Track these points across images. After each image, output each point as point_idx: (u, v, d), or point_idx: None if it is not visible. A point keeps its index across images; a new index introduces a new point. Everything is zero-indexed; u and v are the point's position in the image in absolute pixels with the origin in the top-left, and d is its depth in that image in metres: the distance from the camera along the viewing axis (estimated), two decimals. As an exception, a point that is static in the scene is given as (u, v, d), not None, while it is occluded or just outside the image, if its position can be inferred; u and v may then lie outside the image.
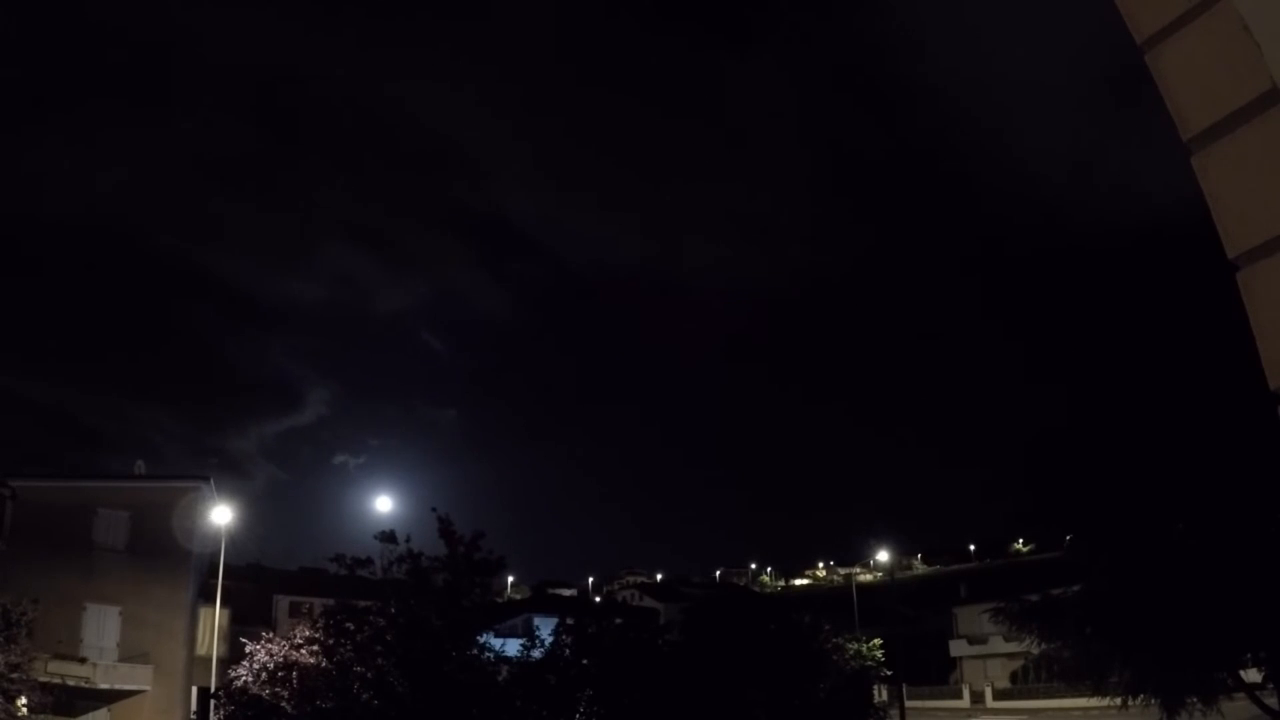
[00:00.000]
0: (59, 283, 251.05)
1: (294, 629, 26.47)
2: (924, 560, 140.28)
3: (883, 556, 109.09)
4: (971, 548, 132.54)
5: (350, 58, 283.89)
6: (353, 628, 23.16)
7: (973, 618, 55.16)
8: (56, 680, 29.90)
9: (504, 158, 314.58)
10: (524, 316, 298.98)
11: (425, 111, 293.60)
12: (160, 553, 36.13)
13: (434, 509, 24.75)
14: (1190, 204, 2.42)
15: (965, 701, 57.66)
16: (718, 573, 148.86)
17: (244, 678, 24.41)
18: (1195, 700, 14.91)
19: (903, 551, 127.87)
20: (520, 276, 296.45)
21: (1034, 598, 17.77)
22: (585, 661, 25.40)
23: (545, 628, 28.21)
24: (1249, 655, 14.58)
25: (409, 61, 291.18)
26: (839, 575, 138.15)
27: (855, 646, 37.56)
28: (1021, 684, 53.96)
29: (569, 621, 26.61)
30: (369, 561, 24.35)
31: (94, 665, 33.30)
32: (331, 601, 26.13)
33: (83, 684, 32.19)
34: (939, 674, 61.51)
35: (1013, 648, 40.74)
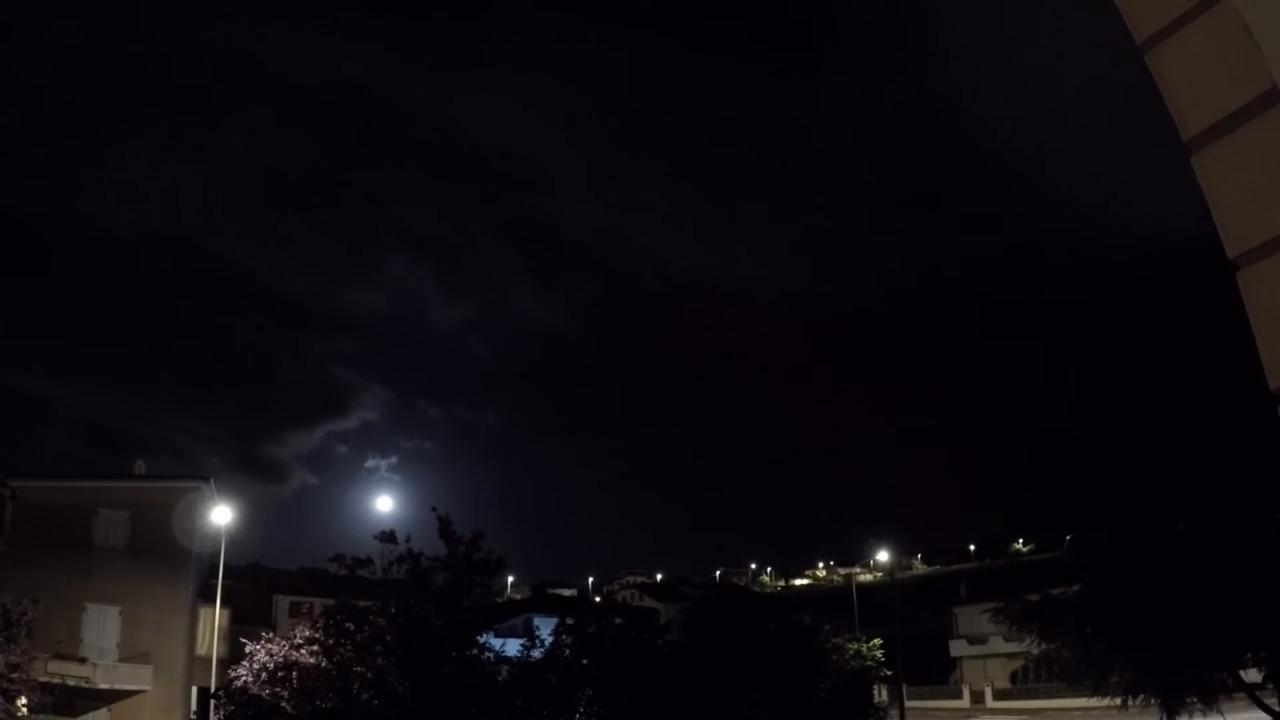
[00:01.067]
0: (113, 294, 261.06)
1: (294, 629, 26.46)
2: (924, 560, 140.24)
3: (883, 556, 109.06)
4: (971, 548, 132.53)
5: (416, 75, 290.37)
6: (353, 628, 23.15)
7: (973, 618, 55.16)
8: (56, 680, 29.92)
9: (563, 173, 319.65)
10: (556, 323, 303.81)
11: (487, 127, 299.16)
12: (160, 553, 36.13)
13: (434, 508, 24.78)
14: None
15: (965, 701, 57.66)
16: (718, 573, 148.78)
17: (244, 678, 24.41)
18: (1195, 700, 14.90)
19: (903, 551, 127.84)
20: (569, 286, 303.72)
21: (1034, 598, 17.75)
22: (585, 661, 25.39)
23: (545, 628, 28.21)
24: (1249, 655, 14.57)
25: (474, 80, 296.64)
26: (839, 575, 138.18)
27: (855, 646, 37.53)
28: (1021, 684, 53.92)
29: (569, 621, 26.59)
30: (369, 561, 24.35)
31: (94, 665, 33.31)
32: (331, 601, 26.13)
33: (83, 684, 32.21)
34: (939, 674, 61.52)
35: (1013, 648, 40.68)
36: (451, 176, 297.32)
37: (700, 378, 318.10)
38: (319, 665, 23.16)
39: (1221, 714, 15.33)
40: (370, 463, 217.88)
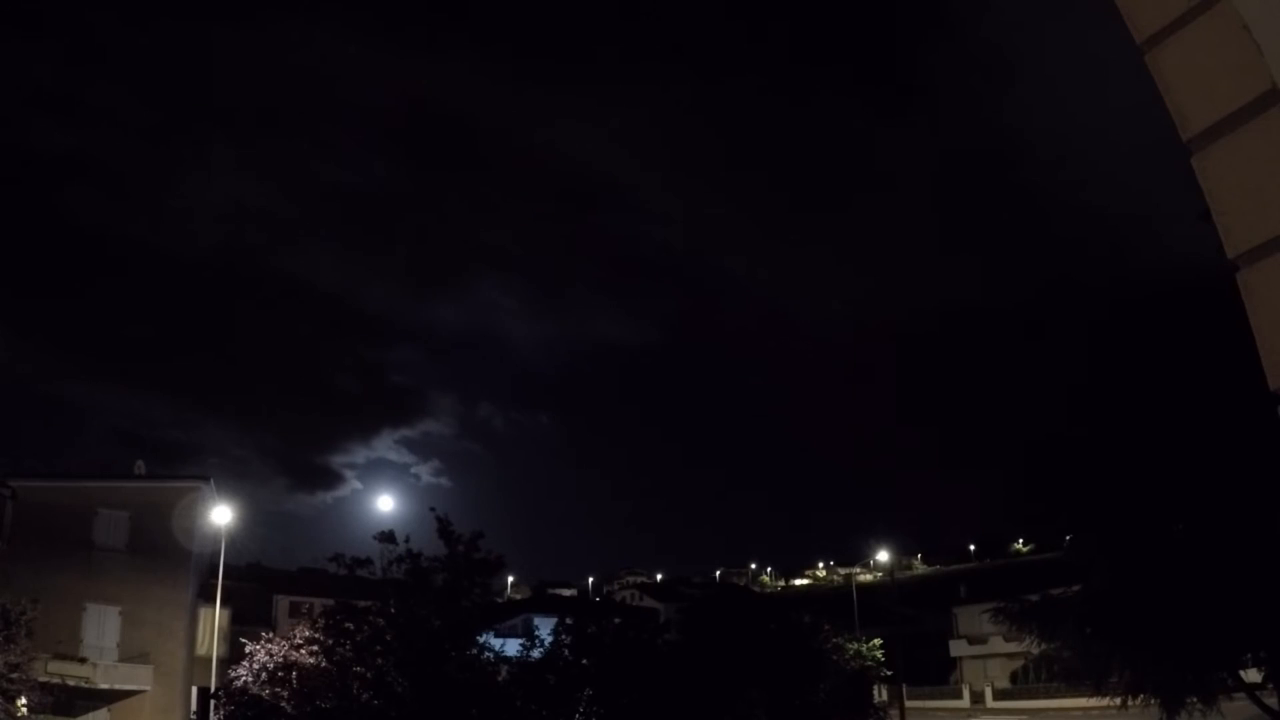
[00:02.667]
0: (179, 306, 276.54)
1: (294, 629, 26.47)
2: (924, 560, 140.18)
3: (883, 556, 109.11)
4: (971, 548, 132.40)
5: (502, 99, 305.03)
6: (352, 628, 23.15)
7: (973, 618, 55.14)
8: (56, 680, 29.85)
9: (637, 195, 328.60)
10: (613, 336, 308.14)
11: (571, 149, 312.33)
12: (160, 553, 36.11)
13: (432, 509, 24.82)
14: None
15: (965, 701, 57.62)
16: (718, 573, 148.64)
17: (244, 678, 24.42)
18: (1195, 700, 14.90)
19: (903, 551, 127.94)
20: (619, 294, 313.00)
21: (1034, 598, 17.75)
22: (585, 661, 25.39)
23: (545, 628, 28.18)
24: (1249, 655, 14.57)
25: (561, 107, 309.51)
26: (839, 575, 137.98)
27: (855, 646, 37.48)
28: (1021, 684, 53.94)
29: (568, 621, 26.61)
30: (368, 561, 24.35)
31: (94, 665, 33.29)
32: (331, 601, 26.14)
33: (83, 684, 32.17)
34: (939, 674, 61.46)
35: (1013, 648, 40.78)
36: (528, 195, 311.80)
37: (701, 379, 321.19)
38: (319, 665, 23.16)
39: (1221, 714, 15.33)
40: (416, 468, 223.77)
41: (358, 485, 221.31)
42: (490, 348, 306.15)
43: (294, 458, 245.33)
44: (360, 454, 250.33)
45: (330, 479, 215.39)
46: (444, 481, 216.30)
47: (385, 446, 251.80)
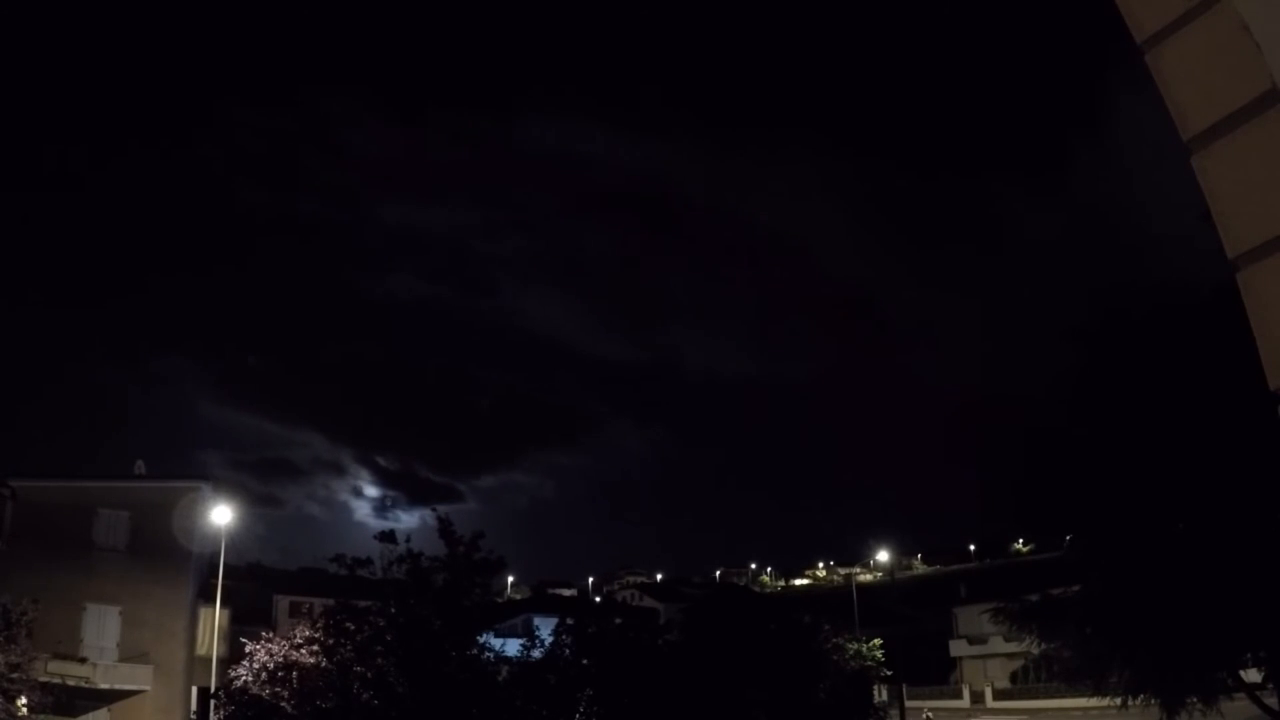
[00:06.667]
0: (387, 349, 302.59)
1: (294, 629, 26.48)
2: (924, 560, 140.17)
3: (883, 556, 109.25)
4: (971, 548, 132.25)
5: (694, 169, 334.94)
6: (353, 628, 23.16)
7: (973, 618, 55.12)
8: (56, 680, 29.89)
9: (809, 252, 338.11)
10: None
11: (749, 211, 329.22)
12: (160, 553, 36.11)
13: (433, 508, 24.87)
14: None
15: (965, 701, 57.65)
16: (718, 573, 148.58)
17: (244, 678, 24.41)
18: (1195, 700, 14.91)
19: (903, 551, 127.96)
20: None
21: (1034, 598, 17.76)
22: (585, 661, 25.40)
23: (545, 628, 28.20)
24: (1249, 655, 14.57)
25: (744, 174, 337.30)
26: (839, 575, 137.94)
27: (855, 646, 37.46)
28: (1021, 684, 53.95)
29: (569, 621, 26.61)
30: (369, 562, 24.36)
31: (94, 665, 33.30)
32: (331, 601, 26.14)
33: (83, 684, 32.19)
34: (939, 674, 61.47)
35: (1013, 648, 40.70)
36: (710, 251, 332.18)
37: (682, 378, 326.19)
38: (319, 665, 23.18)
39: (1221, 714, 15.34)
40: (526, 483, 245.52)
41: (473, 504, 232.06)
42: (654, 378, 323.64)
43: (411, 478, 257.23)
44: (490, 476, 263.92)
45: (448, 494, 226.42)
46: (548, 493, 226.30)
47: (516, 468, 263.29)
